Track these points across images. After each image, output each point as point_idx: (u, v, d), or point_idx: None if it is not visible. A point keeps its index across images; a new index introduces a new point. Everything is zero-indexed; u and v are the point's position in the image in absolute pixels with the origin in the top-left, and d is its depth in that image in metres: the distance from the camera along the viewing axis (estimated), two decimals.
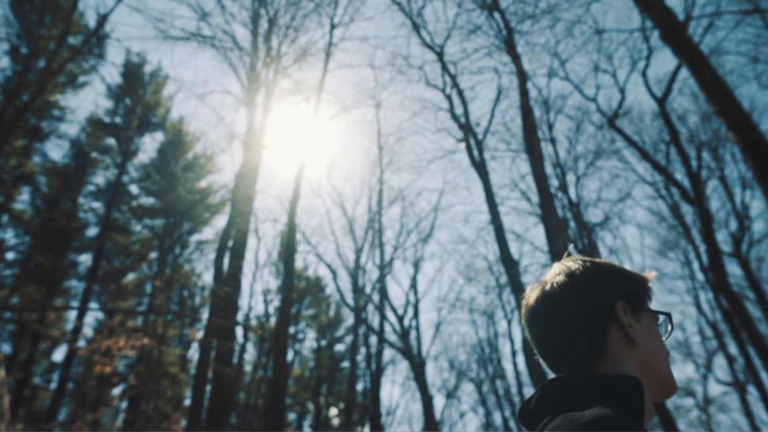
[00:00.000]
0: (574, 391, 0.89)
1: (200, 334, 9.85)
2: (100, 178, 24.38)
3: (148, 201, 25.88)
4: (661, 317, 1.08)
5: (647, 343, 1.01)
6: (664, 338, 1.06)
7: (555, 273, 1.09)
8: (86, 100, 35.84)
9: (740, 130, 9.12)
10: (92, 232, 24.14)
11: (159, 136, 26.08)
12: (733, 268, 20.41)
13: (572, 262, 1.10)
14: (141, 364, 21.36)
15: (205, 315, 11.52)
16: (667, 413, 16.84)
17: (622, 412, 0.80)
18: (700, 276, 22.66)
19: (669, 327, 1.08)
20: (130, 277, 25.39)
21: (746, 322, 15.65)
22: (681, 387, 26.08)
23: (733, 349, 21.90)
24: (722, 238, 20.97)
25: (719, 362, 28.40)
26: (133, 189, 25.75)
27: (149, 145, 29.11)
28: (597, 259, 1.11)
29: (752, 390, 21.00)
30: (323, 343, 26.88)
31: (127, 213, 25.52)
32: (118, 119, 24.94)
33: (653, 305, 1.09)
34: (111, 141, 24.59)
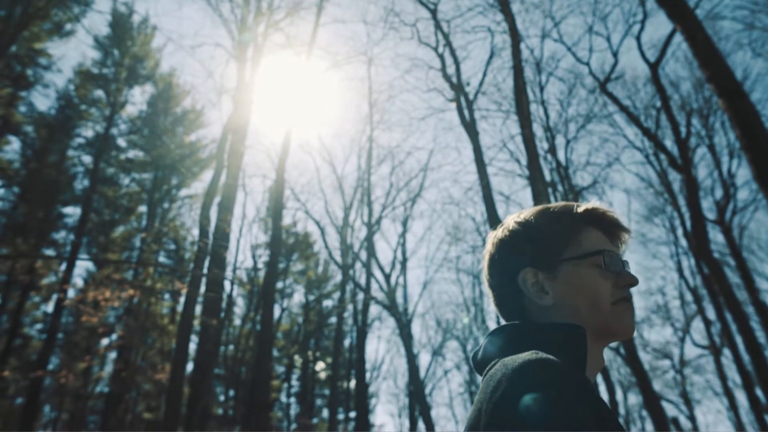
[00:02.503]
0: (513, 339, 0.95)
1: (185, 287, 9.95)
2: (89, 131, 24.13)
3: (136, 154, 25.70)
4: (609, 256, 1.02)
5: (566, 296, 1.00)
6: (605, 274, 1.01)
7: (498, 229, 1.14)
8: (74, 50, 35.15)
9: (730, 97, 9.12)
10: (81, 184, 24.05)
11: (148, 89, 25.73)
12: (716, 235, 20.76)
13: (509, 220, 1.13)
14: (130, 315, 21.61)
15: (193, 269, 11.62)
16: (644, 374, 17.37)
17: (555, 356, 0.83)
18: (683, 242, 23.04)
19: (605, 262, 1.01)
20: (119, 230, 25.42)
21: (724, 288, 16.01)
22: (658, 349, 26.79)
23: (711, 313, 22.46)
24: (707, 205, 21.25)
25: (697, 326, 29.10)
26: (122, 142, 25.54)
27: (138, 98, 28.69)
28: (528, 216, 1.10)
29: (727, 353, 21.62)
30: (311, 298, 27.22)
31: (115, 166, 25.36)
32: (106, 71, 24.52)
33: (597, 239, 1.05)
34: (99, 93, 24.23)
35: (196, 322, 12.87)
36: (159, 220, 25.42)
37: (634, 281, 1.02)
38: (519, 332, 0.97)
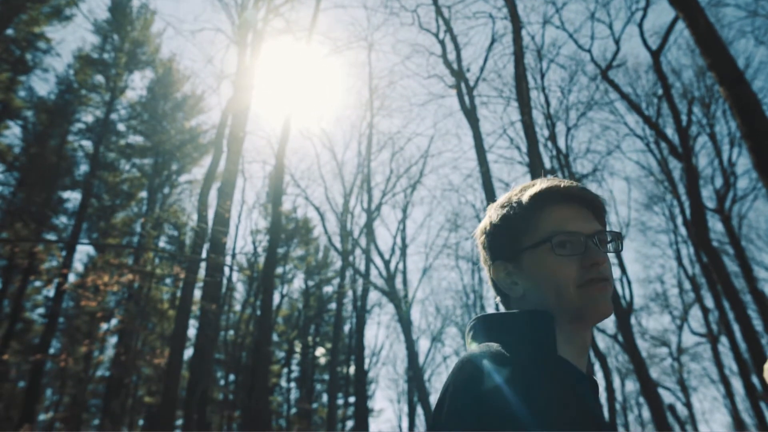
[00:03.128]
0: (483, 330, 0.97)
1: (184, 272, 10.00)
2: (89, 117, 24.09)
3: (136, 140, 25.69)
4: (565, 237, 0.98)
5: (533, 284, 0.99)
6: (566, 257, 0.97)
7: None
8: (73, 35, 34.97)
9: (731, 85, 9.08)
10: (81, 170, 24.06)
11: (148, 74, 25.65)
12: (716, 224, 20.77)
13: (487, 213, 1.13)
14: (131, 300, 21.72)
15: (190, 253, 11.66)
16: (641, 362, 17.47)
17: (514, 346, 0.87)
18: (683, 231, 23.05)
19: (555, 246, 0.97)
20: (120, 216, 25.47)
21: (723, 277, 16.04)
22: (656, 337, 26.91)
23: (709, 302, 22.52)
24: (707, 194, 21.22)
25: (695, 314, 29.18)
26: (122, 127, 25.50)
27: (138, 83, 28.61)
28: (493, 208, 1.09)
29: (724, 341, 21.73)
30: (311, 284, 27.32)
31: (116, 151, 25.35)
32: (106, 56, 24.43)
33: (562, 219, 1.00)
34: (99, 78, 24.17)
35: (196, 307, 12.96)
36: (159, 206, 25.46)
37: (599, 260, 0.95)
38: (488, 323, 0.97)
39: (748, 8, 19.63)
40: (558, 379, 0.84)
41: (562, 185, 1.02)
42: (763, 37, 20.48)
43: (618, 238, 1.03)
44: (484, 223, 1.09)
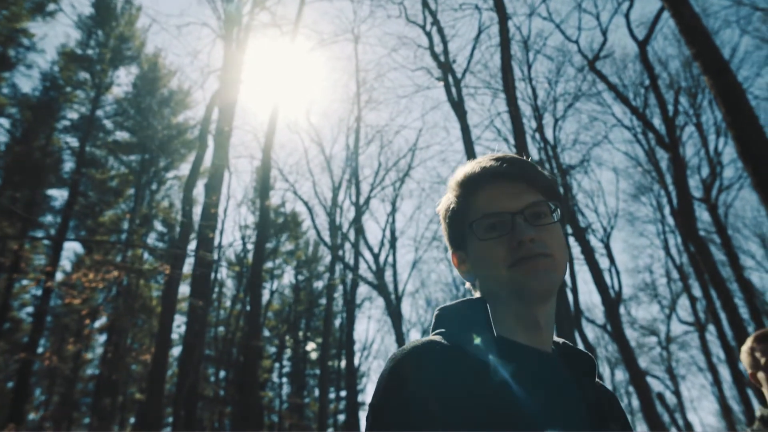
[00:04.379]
0: (435, 320, 0.99)
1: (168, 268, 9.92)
2: (74, 113, 23.85)
3: (123, 136, 25.47)
4: (491, 219, 0.96)
5: (476, 270, 1.00)
6: (495, 240, 0.95)
7: None
8: (57, 30, 34.55)
9: (715, 74, 9.11)
10: (67, 167, 23.83)
11: (134, 70, 25.41)
12: (702, 214, 20.89)
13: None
14: (119, 298, 21.58)
15: (175, 248, 11.57)
16: (630, 351, 17.59)
17: (452, 335, 0.90)
18: (670, 220, 23.18)
19: (476, 231, 0.97)
20: (108, 214, 25.27)
21: (710, 266, 16.16)
22: (645, 327, 27.11)
23: (696, 291, 22.70)
24: (694, 183, 21.34)
25: (683, 303, 29.41)
26: (108, 124, 25.27)
27: (124, 79, 28.37)
28: (444, 200, 1.08)
29: (711, 329, 21.91)
30: (301, 278, 27.28)
31: (102, 148, 25.12)
32: (90, 51, 24.17)
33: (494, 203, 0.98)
34: (84, 74, 23.91)
35: (184, 304, 12.90)
36: (147, 202, 25.28)
37: (525, 237, 0.91)
38: (438, 315, 0.99)
39: None
40: (480, 368, 0.84)
41: (484, 165, 1.00)
42: (748, 26, 20.57)
43: (560, 205, 0.99)
44: (440, 213, 1.09)
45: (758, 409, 2.13)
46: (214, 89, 16.05)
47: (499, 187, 0.97)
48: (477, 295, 1.02)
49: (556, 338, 1.02)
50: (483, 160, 1.01)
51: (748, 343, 2.17)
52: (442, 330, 0.94)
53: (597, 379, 1.00)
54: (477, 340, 0.89)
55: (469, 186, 1.00)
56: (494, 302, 0.96)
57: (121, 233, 25.43)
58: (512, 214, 0.94)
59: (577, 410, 0.88)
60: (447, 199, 1.06)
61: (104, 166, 25.13)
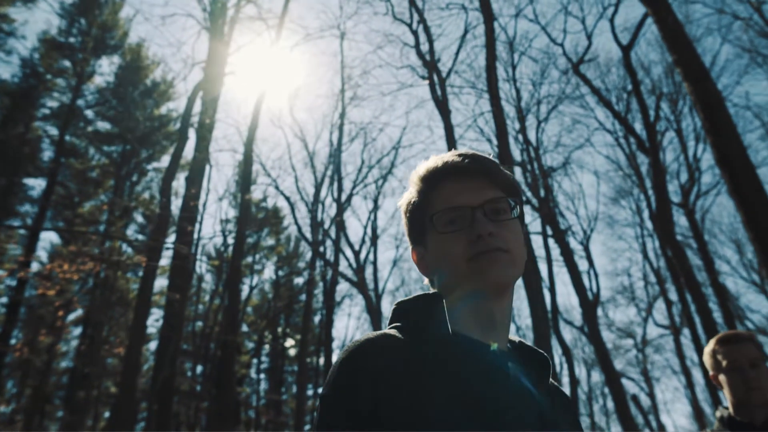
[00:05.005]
0: (392, 314, 1.00)
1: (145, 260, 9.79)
2: (54, 102, 23.46)
3: (104, 126, 25.13)
4: (451, 214, 0.97)
5: (435, 265, 0.99)
6: (455, 234, 0.96)
7: None
8: (38, 17, 34.00)
9: (695, 81, 9.23)
10: (46, 156, 23.44)
11: (116, 60, 25.07)
12: (680, 218, 21.16)
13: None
14: (96, 290, 21.30)
15: (150, 240, 11.43)
16: (606, 353, 17.78)
17: (407, 329, 0.91)
18: (649, 224, 23.45)
19: (436, 224, 0.97)
20: (88, 205, 24.91)
21: (686, 270, 16.40)
22: (622, 329, 27.41)
23: (673, 294, 22.97)
24: (673, 188, 21.58)
25: (659, 306, 29.81)
26: (89, 113, 24.90)
27: (106, 69, 27.99)
28: (406, 195, 1.08)
29: (686, 333, 22.21)
30: (282, 274, 27.16)
31: (83, 138, 24.76)
32: (72, 40, 23.79)
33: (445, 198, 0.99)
34: (65, 63, 23.53)
35: (163, 297, 12.77)
36: (127, 194, 24.98)
37: (484, 231, 0.92)
38: (395, 309, 1.00)
39: (714, 5, 19.98)
40: (433, 362, 0.85)
41: (446, 160, 1.01)
42: (729, 35, 20.89)
43: (519, 202, 1.00)
44: (401, 208, 1.10)
45: (718, 410, 2.14)
46: (197, 81, 15.89)
47: (460, 182, 0.98)
48: (434, 290, 1.02)
49: (512, 337, 1.02)
50: (445, 156, 1.02)
51: (711, 345, 2.19)
52: (398, 324, 0.95)
53: (551, 380, 1.01)
54: (431, 335, 0.89)
55: (430, 180, 1.01)
56: (451, 297, 0.96)
57: (100, 225, 25.08)
58: (472, 208, 0.95)
59: (530, 409, 0.88)
60: (409, 193, 1.06)
61: (84, 156, 24.77)
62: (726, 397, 2.12)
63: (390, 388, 0.79)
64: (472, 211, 0.95)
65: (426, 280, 1.06)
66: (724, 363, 2.09)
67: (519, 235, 0.98)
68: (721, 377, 2.10)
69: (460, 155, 1.00)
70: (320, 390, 0.90)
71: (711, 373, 2.17)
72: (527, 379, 0.93)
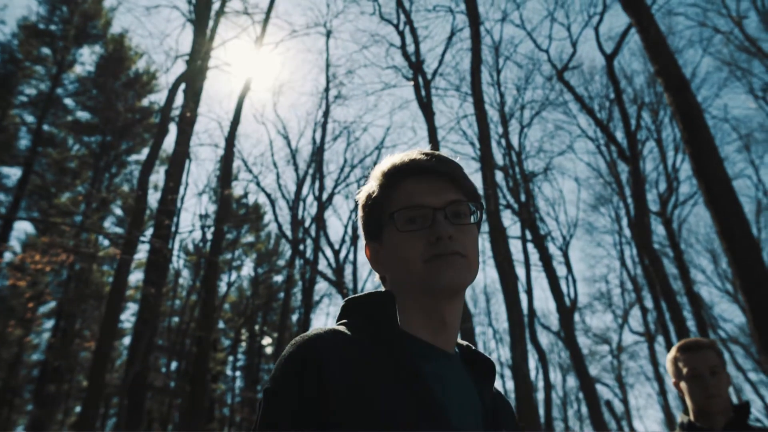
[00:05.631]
0: (341, 310, 1.00)
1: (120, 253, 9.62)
2: (32, 90, 23.03)
3: (84, 116, 24.73)
4: (412, 212, 0.96)
5: (390, 263, 0.98)
6: (414, 233, 0.94)
7: None
8: (18, 2, 33.34)
9: (675, 91, 9.35)
10: (23, 145, 22.99)
11: (98, 49, 24.68)
12: (658, 227, 21.41)
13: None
14: (70, 283, 20.95)
15: (126, 233, 11.25)
16: (581, 358, 17.93)
17: (355, 325, 0.91)
18: (627, 232, 23.70)
19: (397, 223, 0.95)
20: (65, 196, 24.49)
21: (661, 278, 16.61)
22: (598, 335, 27.67)
23: (649, 302, 23.23)
24: (652, 197, 21.84)
25: (635, 314, 30.14)
26: (69, 103, 24.48)
27: (87, 58, 27.56)
28: (362, 188, 1.07)
29: (660, 340, 22.48)
30: (261, 272, 26.99)
31: (62, 128, 24.34)
32: (53, 27, 23.37)
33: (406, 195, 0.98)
34: (45, 50, 23.11)
35: (134, 291, 12.58)
36: (105, 186, 24.61)
37: (444, 233, 0.91)
38: (345, 305, 0.99)
39: (697, 18, 20.27)
40: (379, 361, 0.84)
41: (411, 158, 1.00)
42: (710, 48, 21.20)
43: (479, 207, 1.00)
44: (359, 201, 1.08)
45: (679, 416, 2.17)
46: (179, 74, 15.69)
47: (424, 182, 0.97)
48: (386, 288, 1.02)
49: (459, 341, 1.02)
50: (411, 154, 1.01)
51: (673, 352, 2.20)
52: (345, 321, 0.95)
53: (494, 386, 1.01)
54: (380, 334, 0.89)
55: (394, 177, 1.00)
56: (403, 296, 0.95)
57: (76, 216, 24.66)
58: (434, 209, 0.94)
59: (472, 413, 0.88)
60: (369, 187, 1.04)
61: (63, 146, 24.35)
62: (687, 403, 2.14)
63: (336, 383, 0.78)
64: (434, 212, 0.94)
65: (377, 277, 1.05)
66: (684, 370, 2.11)
67: (476, 240, 0.98)
68: (683, 384, 2.13)
69: (426, 154, 1.00)
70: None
71: (673, 380, 2.20)
72: (472, 383, 0.94)
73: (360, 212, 1.06)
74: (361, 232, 1.07)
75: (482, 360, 0.99)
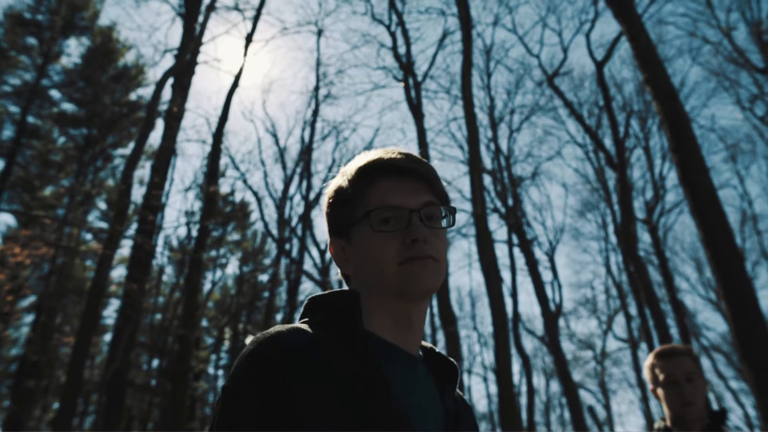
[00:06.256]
0: (304, 308, 0.97)
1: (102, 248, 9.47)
2: (16, 80, 22.68)
3: (70, 108, 24.43)
4: (387, 213, 0.94)
5: (359, 261, 0.96)
6: (389, 234, 0.93)
7: None
8: None
9: (664, 100, 9.40)
10: (6, 136, 22.64)
11: (85, 41, 24.39)
12: (644, 234, 21.55)
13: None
14: (52, 277, 20.66)
15: (109, 228, 11.09)
16: (564, 363, 17.98)
17: (318, 324, 0.89)
18: (613, 239, 23.81)
19: (373, 223, 0.93)
20: (49, 190, 24.16)
21: (646, 285, 16.72)
22: (583, 340, 27.80)
23: (633, 309, 23.37)
24: (638, 205, 21.99)
25: (619, 320, 30.34)
26: (55, 94, 24.17)
27: (74, 50, 27.24)
28: (330, 183, 1.05)
29: (644, 347, 22.63)
30: (246, 270, 26.82)
31: (47, 119, 24.02)
32: (40, 17, 23.06)
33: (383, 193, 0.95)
34: (31, 40, 22.79)
35: (117, 287, 12.40)
36: (90, 180, 24.32)
37: (419, 236, 0.90)
38: (309, 303, 0.96)
39: (686, 28, 20.43)
40: (343, 361, 0.82)
41: (389, 157, 0.98)
42: (699, 58, 21.39)
43: (452, 212, 0.99)
44: (326, 195, 1.05)
45: (657, 421, 2.18)
46: (168, 68, 15.52)
47: (401, 182, 0.96)
48: (349, 286, 1.01)
49: (424, 343, 1.01)
50: (387, 152, 0.99)
51: (650, 359, 2.23)
52: (307, 319, 0.93)
53: (457, 389, 1.00)
54: (344, 333, 0.87)
55: (369, 174, 0.97)
56: (369, 296, 0.94)
57: (59, 210, 24.33)
58: (410, 211, 0.93)
59: (434, 416, 0.88)
60: (339, 182, 1.02)
61: (47, 138, 24.03)
62: (664, 410, 2.16)
63: (299, 383, 0.77)
64: (410, 214, 0.93)
65: (339, 273, 1.03)
66: (661, 377, 2.14)
67: (446, 245, 0.98)
68: (659, 391, 2.15)
69: (402, 154, 0.98)
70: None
71: (651, 386, 2.22)
72: (435, 386, 0.93)
73: (327, 207, 1.03)
74: (326, 227, 1.04)
75: (445, 363, 0.99)
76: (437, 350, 1.02)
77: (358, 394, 0.79)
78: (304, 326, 0.88)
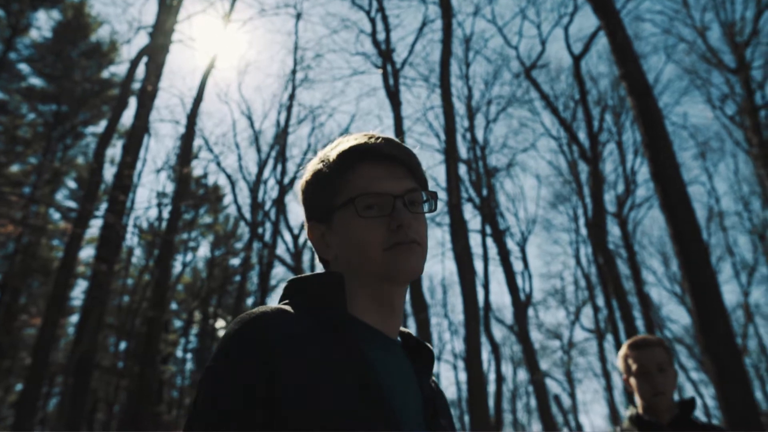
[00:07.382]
0: (285, 290, 0.96)
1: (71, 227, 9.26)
2: None
3: (39, 83, 23.74)
4: (372, 199, 0.93)
5: (341, 247, 0.96)
6: (376, 219, 0.92)
7: None
8: None
9: (638, 96, 9.54)
10: None
11: (55, 15, 23.66)
12: (613, 228, 21.94)
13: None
14: (17, 256, 20.18)
15: (79, 208, 10.85)
16: (532, 352, 18.29)
17: (301, 305, 0.88)
18: (583, 231, 24.19)
19: (358, 209, 0.92)
20: (16, 167, 23.50)
21: (614, 278, 17.05)
22: (551, 330, 28.29)
23: (600, 300, 23.83)
24: (609, 198, 22.33)
25: (587, 311, 30.93)
26: (23, 68, 23.44)
27: (44, 24, 26.41)
28: (308, 167, 1.03)
29: (609, 338, 23.13)
30: (218, 254, 26.57)
31: (15, 94, 23.30)
32: None
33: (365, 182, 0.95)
34: None
35: (85, 268, 12.17)
36: (60, 157, 23.73)
37: (405, 222, 0.91)
38: (290, 285, 0.96)
39: (663, 25, 20.73)
40: (326, 342, 0.83)
41: (371, 141, 0.97)
42: (673, 55, 21.74)
43: (434, 197, 1.00)
44: (303, 179, 1.04)
45: (628, 409, 2.23)
46: (142, 46, 15.18)
47: (384, 168, 0.96)
48: (328, 269, 1.00)
49: (402, 328, 1.01)
50: (368, 136, 0.98)
51: (623, 349, 2.27)
52: (288, 301, 0.92)
53: (433, 378, 1.01)
54: (328, 316, 0.88)
55: (352, 159, 0.97)
56: (351, 280, 0.94)
57: (26, 187, 23.69)
58: (394, 196, 0.93)
59: (414, 401, 0.89)
60: (318, 166, 1.00)
61: (15, 114, 23.33)
62: (636, 399, 2.21)
63: (283, 364, 0.77)
64: (394, 200, 0.93)
65: (318, 258, 1.03)
66: (633, 367, 2.18)
67: (426, 230, 0.99)
68: (632, 380, 2.20)
69: (384, 139, 0.98)
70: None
71: (623, 376, 2.26)
72: (413, 372, 0.94)
73: (305, 192, 1.02)
74: (302, 211, 1.03)
75: (423, 348, 1.00)
76: (413, 335, 1.02)
77: (342, 377, 0.79)
78: (287, 308, 0.87)
